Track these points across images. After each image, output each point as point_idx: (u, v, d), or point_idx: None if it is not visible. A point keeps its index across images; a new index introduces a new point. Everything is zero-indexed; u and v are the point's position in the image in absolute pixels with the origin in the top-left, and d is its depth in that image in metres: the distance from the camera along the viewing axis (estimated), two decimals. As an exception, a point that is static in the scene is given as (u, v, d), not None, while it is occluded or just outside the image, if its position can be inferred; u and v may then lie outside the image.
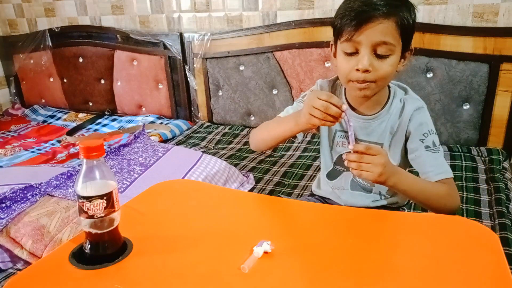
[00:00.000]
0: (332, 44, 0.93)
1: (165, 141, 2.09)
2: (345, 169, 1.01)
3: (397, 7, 0.82)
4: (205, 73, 2.28)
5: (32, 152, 2.07)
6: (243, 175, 1.61)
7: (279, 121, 0.97)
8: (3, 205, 1.16)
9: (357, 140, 0.94)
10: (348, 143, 0.81)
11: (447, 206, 0.87)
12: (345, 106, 0.79)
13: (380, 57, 0.83)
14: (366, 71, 0.83)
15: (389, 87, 0.96)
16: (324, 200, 1.09)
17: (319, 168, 1.11)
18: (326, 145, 1.03)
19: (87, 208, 0.63)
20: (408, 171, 0.92)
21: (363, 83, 0.85)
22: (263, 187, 1.54)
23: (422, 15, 1.76)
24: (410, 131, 0.93)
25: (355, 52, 0.84)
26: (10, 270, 1.11)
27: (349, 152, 0.80)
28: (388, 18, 0.80)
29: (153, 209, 0.86)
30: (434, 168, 0.90)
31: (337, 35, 0.87)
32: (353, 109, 0.96)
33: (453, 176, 0.91)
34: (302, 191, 1.49)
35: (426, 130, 0.91)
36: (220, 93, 2.28)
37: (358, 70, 0.84)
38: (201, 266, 0.65)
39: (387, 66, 0.84)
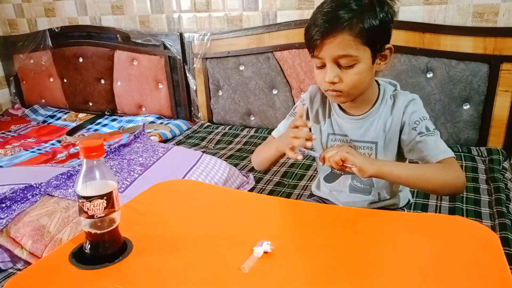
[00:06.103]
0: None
1: (165, 141, 2.09)
2: (342, 173, 1.01)
3: (355, 17, 0.81)
4: (205, 73, 2.28)
5: (32, 152, 2.07)
6: (243, 175, 1.61)
7: (267, 145, 1.04)
8: (3, 205, 1.16)
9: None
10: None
11: (446, 182, 0.83)
12: (309, 123, 0.88)
13: (346, 67, 0.85)
14: (333, 83, 0.86)
15: (379, 84, 0.96)
16: (323, 201, 1.09)
17: (319, 169, 1.11)
18: (319, 149, 1.03)
19: (87, 208, 0.63)
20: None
21: (334, 92, 0.88)
22: (263, 187, 1.54)
23: (422, 15, 1.76)
24: (404, 122, 0.92)
25: (324, 65, 0.87)
26: (10, 270, 1.11)
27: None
28: (342, 32, 0.81)
29: (153, 209, 0.86)
30: (430, 151, 0.88)
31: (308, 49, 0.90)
32: (343, 110, 0.97)
33: (453, 155, 0.88)
34: (302, 191, 1.49)
35: (417, 118, 0.91)
36: (220, 93, 2.28)
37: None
38: (201, 266, 0.65)
39: (353, 75, 0.85)
